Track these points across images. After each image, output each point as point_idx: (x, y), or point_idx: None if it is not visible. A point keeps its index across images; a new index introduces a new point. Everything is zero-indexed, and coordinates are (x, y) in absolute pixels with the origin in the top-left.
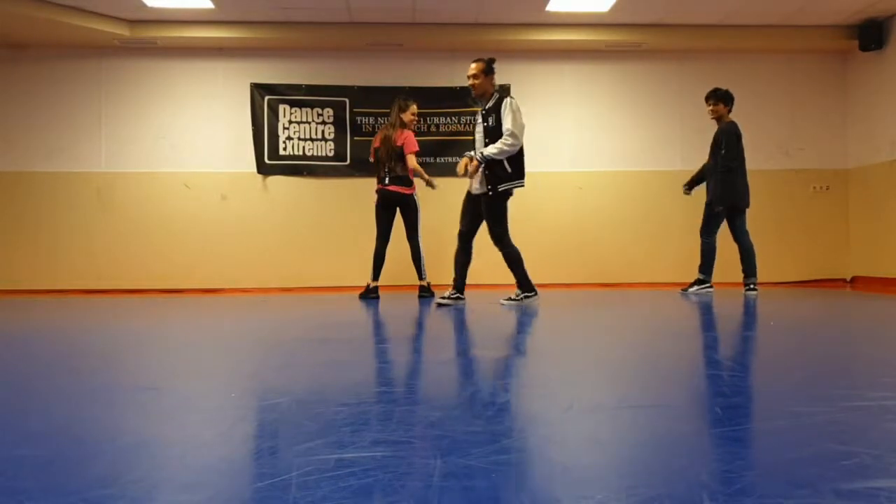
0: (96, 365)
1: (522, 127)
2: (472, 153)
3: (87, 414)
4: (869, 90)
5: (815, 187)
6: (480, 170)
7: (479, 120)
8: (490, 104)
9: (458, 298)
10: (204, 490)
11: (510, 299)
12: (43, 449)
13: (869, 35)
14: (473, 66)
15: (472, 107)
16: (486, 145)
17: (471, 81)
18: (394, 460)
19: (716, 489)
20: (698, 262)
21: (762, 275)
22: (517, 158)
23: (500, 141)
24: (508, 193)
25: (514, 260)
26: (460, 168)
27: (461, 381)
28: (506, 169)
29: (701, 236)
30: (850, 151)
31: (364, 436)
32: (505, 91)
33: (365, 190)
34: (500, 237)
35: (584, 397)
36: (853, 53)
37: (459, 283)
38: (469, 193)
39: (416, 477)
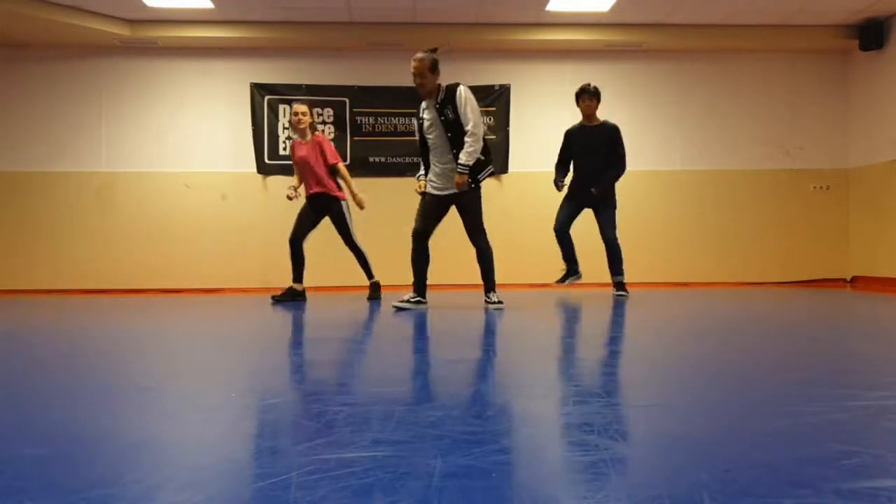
0: (97, 365)
1: (479, 113)
2: (463, 169)
3: (87, 414)
4: (869, 90)
5: (815, 187)
6: (453, 171)
7: (428, 115)
8: (441, 97)
9: (419, 302)
10: (204, 490)
11: (494, 302)
12: (43, 449)
13: (869, 35)
14: (416, 63)
15: None
16: (448, 138)
17: (417, 81)
18: (394, 460)
19: (716, 489)
20: (699, 261)
21: (763, 274)
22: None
23: (467, 147)
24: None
25: (490, 259)
26: (463, 185)
27: (461, 381)
28: (479, 158)
29: (614, 238)
30: (850, 151)
31: (364, 436)
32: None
33: (365, 190)
34: (482, 232)
35: (584, 397)
36: (854, 53)
37: (421, 287)
38: (428, 195)
39: (416, 477)
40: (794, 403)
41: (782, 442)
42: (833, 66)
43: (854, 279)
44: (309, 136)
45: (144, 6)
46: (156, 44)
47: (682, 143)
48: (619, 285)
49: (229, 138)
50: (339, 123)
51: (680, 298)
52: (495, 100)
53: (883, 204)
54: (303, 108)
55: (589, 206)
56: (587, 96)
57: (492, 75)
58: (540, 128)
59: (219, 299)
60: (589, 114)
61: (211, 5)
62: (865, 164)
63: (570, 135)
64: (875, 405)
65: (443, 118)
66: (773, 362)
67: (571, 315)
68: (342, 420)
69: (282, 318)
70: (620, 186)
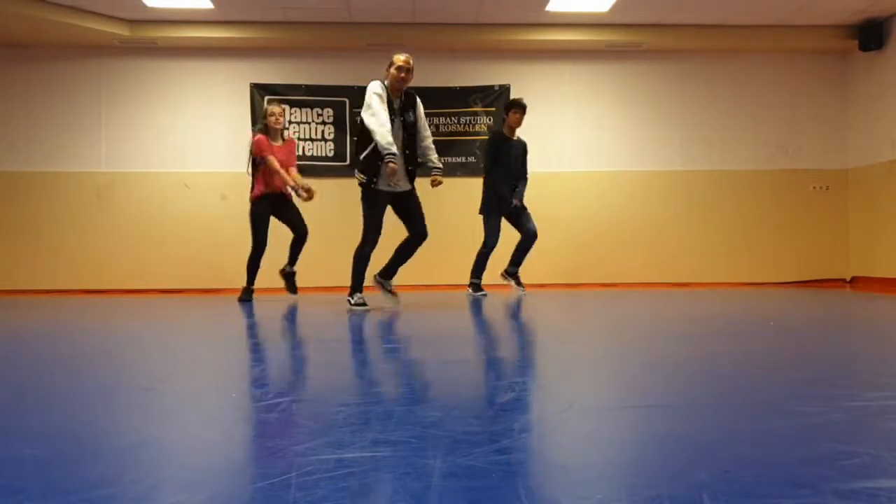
0: (96, 365)
1: None
2: (439, 170)
3: (87, 414)
4: (869, 90)
5: (814, 187)
6: (403, 167)
7: (393, 116)
8: (403, 100)
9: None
10: (204, 490)
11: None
12: (43, 449)
13: (869, 35)
14: (410, 58)
15: (472, 107)
16: (403, 138)
17: (405, 76)
18: (394, 460)
19: (716, 489)
20: (698, 261)
21: (763, 274)
22: None
23: (433, 151)
24: None
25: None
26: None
27: (461, 381)
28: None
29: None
30: (849, 151)
31: (364, 436)
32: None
33: None
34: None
35: (584, 397)
36: (853, 53)
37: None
38: (392, 194)
39: (416, 477)
40: (794, 403)
41: (782, 442)
42: (833, 67)
43: (853, 279)
44: (280, 138)
45: (144, 6)
46: (155, 44)
47: (682, 143)
48: (516, 276)
49: (229, 138)
50: (338, 124)
51: (680, 299)
52: (495, 100)
53: (882, 204)
54: (279, 108)
55: (508, 213)
56: (520, 110)
57: (492, 75)
58: (539, 128)
59: (218, 299)
60: (516, 127)
61: (211, 5)
62: (865, 165)
63: (500, 142)
64: (875, 405)
65: (403, 119)
66: (773, 362)
67: (570, 316)
68: (341, 420)
69: (283, 319)
70: (620, 186)
